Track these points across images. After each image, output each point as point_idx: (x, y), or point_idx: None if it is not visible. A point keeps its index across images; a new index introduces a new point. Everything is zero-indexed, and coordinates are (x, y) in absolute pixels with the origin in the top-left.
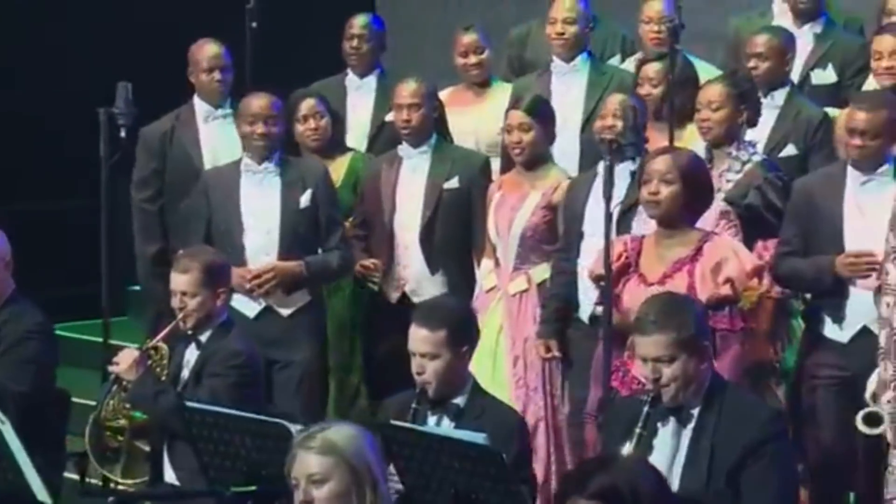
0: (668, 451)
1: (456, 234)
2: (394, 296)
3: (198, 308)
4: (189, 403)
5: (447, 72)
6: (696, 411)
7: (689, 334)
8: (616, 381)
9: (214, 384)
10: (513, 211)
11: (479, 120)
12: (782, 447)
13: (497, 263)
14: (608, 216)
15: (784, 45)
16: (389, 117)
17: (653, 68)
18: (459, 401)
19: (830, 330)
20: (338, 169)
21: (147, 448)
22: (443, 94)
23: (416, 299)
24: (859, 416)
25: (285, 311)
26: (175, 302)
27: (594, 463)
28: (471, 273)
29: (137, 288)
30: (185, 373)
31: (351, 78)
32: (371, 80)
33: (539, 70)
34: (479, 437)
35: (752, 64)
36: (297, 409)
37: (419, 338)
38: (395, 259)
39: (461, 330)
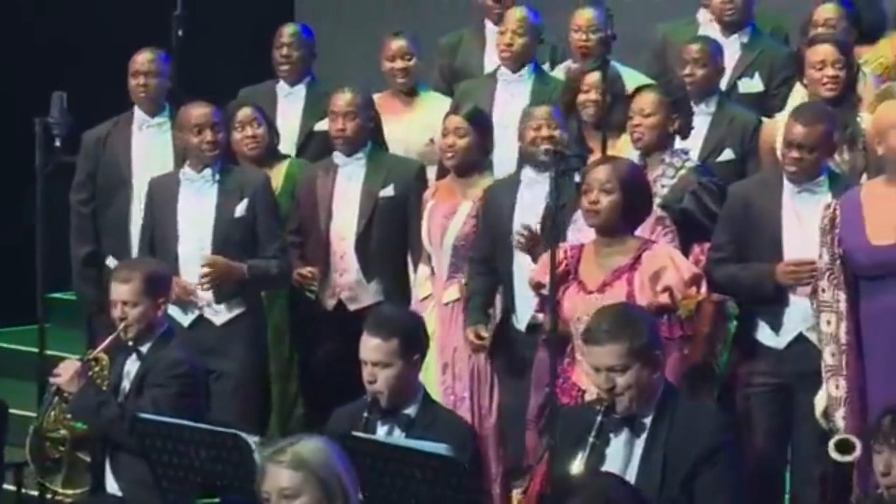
0: (621, 461)
1: (392, 241)
2: (330, 303)
3: (139, 318)
4: (142, 415)
5: (375, 80)
6: (648, 420)
7: (641, 343)
8: (556, 387)
9: (156, 394)
10: (445, 220)
11: (409, 129)
12: (734, 454)
13: (433, 271)
14: (557, 225)
15: (716, 54)
16: (319, 126)
17: (595, 76)
18: (410, 411)
19: (766, 336)
20: (276, 176)
21: (88, 458)
22: None
23: (352, 307)
24: (831, 444)
25: (219, 320)
26: (116, 312)
27: (559, 489)
28: (406, 281)
29: (59, 295)
30: (126, 383)
31: (281, 86)
32: (301, 89)
33: (485, 75)
34: (440, 448)
35: (687, 70)
36: (233, 418)
37: (371, 347)
38: (332, 267)
39: (412, 339)
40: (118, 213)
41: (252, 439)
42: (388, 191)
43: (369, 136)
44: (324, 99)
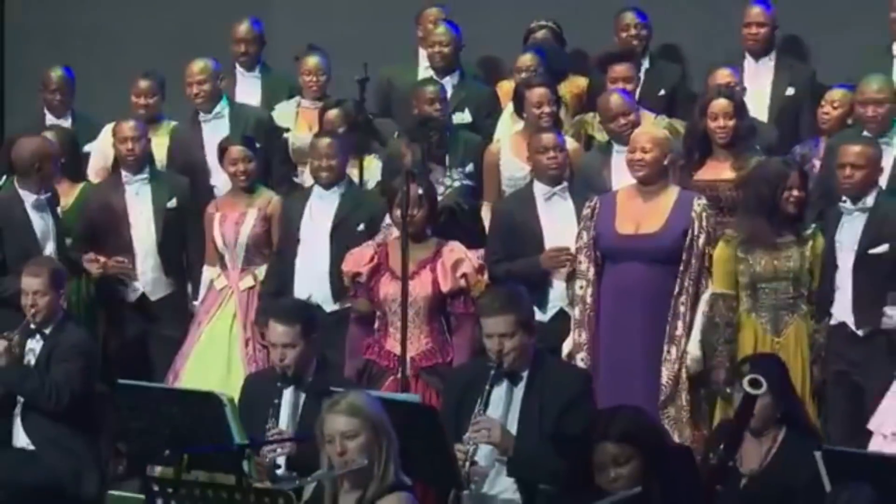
0: (503, 406)
1: (178, 243)
2: (132, 296)
3: (47, 305)
4: (121, 381)
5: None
6: (525, 374)
7: (525, 315)
8: (373, 354)
9: (68, 367)
10: (237, 226)
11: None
12: (593, 401)
13: (223, 268)
14: (405, 227)
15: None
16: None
17: (333, 113)
18: (309, 378)
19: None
20: (69, 194)
21: None
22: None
23: (154, 297)
24: (745, 381)
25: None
26: (27, 300)
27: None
28: (183, 273)
29: None
30: (31, 359)
31: None
32: None
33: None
34: (413, 397)
35: (437, 107)
36: None
37: (280, 332)
38: (136, 267)
39: (310, 322)
40: None
41: (225, 396)
42: (173, 203)
43: (150, 158)
44: None
